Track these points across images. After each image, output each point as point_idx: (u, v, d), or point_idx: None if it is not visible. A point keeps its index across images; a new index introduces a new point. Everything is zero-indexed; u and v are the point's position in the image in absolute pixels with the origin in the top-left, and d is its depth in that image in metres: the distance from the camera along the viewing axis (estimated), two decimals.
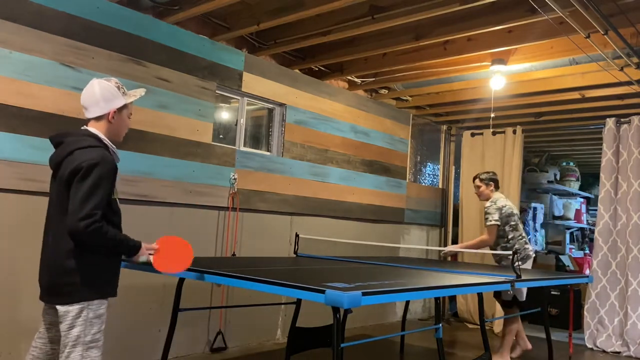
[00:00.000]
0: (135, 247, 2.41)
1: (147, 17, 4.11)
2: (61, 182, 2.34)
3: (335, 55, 5.14)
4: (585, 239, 9.94)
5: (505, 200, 4.83)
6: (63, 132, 2.48)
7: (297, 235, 4.68)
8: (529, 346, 4.97)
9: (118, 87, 2.44)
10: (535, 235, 8.39)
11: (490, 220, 4.68)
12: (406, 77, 5.71)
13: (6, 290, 3.36)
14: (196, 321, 4.42)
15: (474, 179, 5.03)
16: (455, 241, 7.25)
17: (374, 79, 5.98)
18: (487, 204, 4.81)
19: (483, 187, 4.92)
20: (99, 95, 2.40)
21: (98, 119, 2.42)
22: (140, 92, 2.56)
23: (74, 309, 2.22)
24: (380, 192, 6.27)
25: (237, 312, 4.71)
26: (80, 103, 2.47)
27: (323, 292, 2.20)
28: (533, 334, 6.14)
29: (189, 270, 2.85)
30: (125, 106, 2.46)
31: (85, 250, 2.26)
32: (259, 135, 5.23)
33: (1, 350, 3.34)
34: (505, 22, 4.07)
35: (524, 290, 4.74)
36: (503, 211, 4.71)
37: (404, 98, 6.69)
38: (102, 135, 2.41)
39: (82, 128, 2.44)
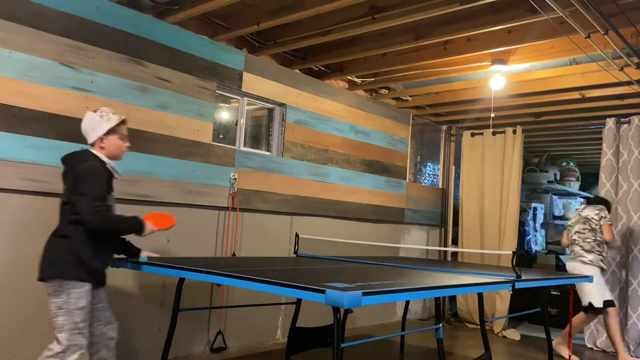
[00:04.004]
0: None
1: (147, 17, 4.11)
2: None
3: (335, 55, 5.14)
4: None
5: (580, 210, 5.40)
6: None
7: (297, 235, 4.68)
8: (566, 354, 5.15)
9: (101, 116, 2.84)
10: (535, 235, 8.39)
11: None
12: (406, 77, 5.71)
13: (8, 290, 3.36)
14: (196, 321, 4.42)
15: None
16: (455, 241, 7.25)
17: (374, 79, 5.98)
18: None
19: None
20: (87, 126, 2.86)
21: (93, 144, 2.86)
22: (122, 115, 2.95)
23: None
24: (380, 192, 6.27)
25: (237, 312, 4.71)
26: None
27: (323, 292, 2.20)
28: (533, 334, 6.16)
29: (189, 270, 2.86)
30: (112, 130, 2.84)
31: None
32: (259, 135, 5.23)
33: (1, 350, 3.34)
34: (505, 22, 4.07)
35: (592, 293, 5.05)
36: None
37: (404, 98, 6.69)
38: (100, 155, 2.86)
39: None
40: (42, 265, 2.72)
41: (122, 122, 2.91)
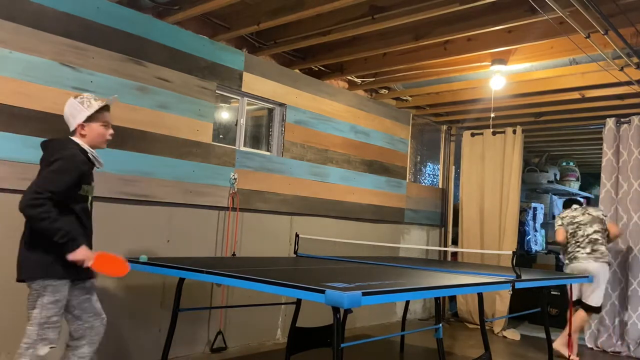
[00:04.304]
0: None
1: (147, 17, 4.11)
2: None
3: (335, 55, 5.14)
4: None
5: (569, 212, 5.46)
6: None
7: (297, 235, 4.69)
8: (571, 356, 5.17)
9: (82, 102, 2.69)
10: (535, 235, 8.39)
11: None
12: (406, 77, 5.71)
13: (6, 289, 3.36)
14: (196, 321, 4.42)
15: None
16: (455, 241, 7.25)
17: (374, 79, 5.97)
18: None
19: None
20: (68, 113, 2.72)
21: (74, 132, 2.72)
22: (109, 99, 2.80)
23: None
24: (380, 192, 6.27)
25: (237, 312, 4.71)
26: None
27: (323, 292, 2.20)
28: (533, 334, 6.16)
29: (189, 270, 2.86)
30: (93, 117, 2.69)
31: None
32: (259, 135, 5.23)
33: (1, 350, 3.34)
34: (505, 22, 4.07)
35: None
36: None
37: (404, 98, 6.69)
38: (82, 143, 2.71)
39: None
40: (17, 265, 2.66)
41: (104, 108, 2.75)
